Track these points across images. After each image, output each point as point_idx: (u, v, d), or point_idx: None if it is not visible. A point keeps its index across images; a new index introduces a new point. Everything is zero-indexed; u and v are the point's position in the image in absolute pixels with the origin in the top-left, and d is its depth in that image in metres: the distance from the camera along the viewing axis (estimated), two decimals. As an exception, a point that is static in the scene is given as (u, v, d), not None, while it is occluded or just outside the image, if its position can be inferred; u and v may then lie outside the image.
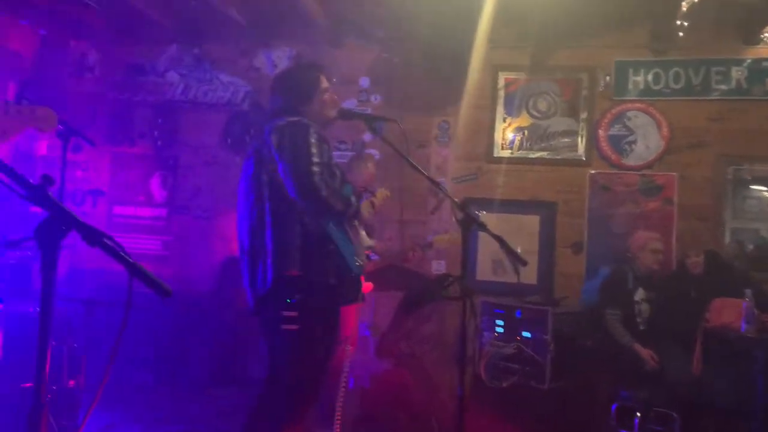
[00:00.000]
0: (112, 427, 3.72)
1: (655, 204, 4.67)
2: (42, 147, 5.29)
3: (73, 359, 3.27)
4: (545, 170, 4.87)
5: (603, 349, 3.94)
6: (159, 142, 5.40)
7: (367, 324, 4.77)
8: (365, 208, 2.90)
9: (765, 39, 4.53)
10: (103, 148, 5.28)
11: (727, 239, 4.57)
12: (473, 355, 4.21)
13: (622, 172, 4.75)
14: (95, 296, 3.25)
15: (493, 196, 4.83)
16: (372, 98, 5.14)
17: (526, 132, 4.93)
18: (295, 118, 2.57)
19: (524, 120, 4.94)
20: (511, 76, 4.96)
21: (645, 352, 3.81)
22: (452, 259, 4.82)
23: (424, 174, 2.69)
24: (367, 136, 5.08)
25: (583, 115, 4.85)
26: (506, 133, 4.96)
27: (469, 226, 2.60)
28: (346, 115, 2.89)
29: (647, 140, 4.73)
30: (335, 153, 4.87)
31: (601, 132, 4.79)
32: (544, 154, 4.88)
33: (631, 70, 4.77)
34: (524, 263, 2.59)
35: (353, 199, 2.61)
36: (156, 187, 5.42)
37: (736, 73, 4.61)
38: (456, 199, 2.77)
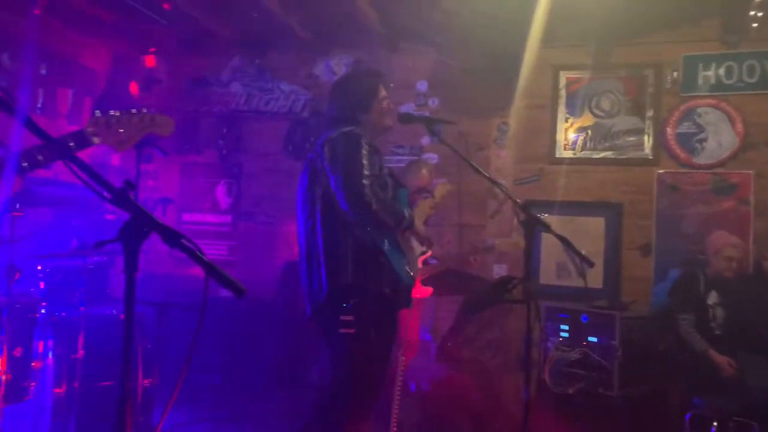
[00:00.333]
0: (181, 426, 3.85)
1: (729, 204, 4.45)
2: (116, 157, 5.56)
3: (146, 359, 3.41)
4: (610, 170, 4.73)
5: (675, 356, 3.78)
6: (224, 151, 5.59)
7: (428, 328, 4.75)
8: (425, 208, 2.91)
9: None
10: (172, 158, 5.50)
11: (809, 240, 4.30)
12: (537, 359, 4.13)
13: (692, 171, 4.56)
14: (166, 299, 3.38)
15: (555, 198, 4.73)
16: (430, 102, 5.14)
17: (589, 132, 4.80)
18: (348, 129, 2.59)
19: (587, 119, 4.82)
20: (573, 75, 4.85)
21: (721, 359, 3.64)
22: (514, 262, 4.75)
23: (485, 175, 2.67)
24: (425, 140, 5.08)
25: (650, 113, 4.68)
26: (568, 133, 4.86)
27: (533, 227, 2.55)
28: (405, 119, 2.90)
29: (719, 137, 4.52)
30: (393, 157, 4.96)
31: (668, 130, 4.62)
32: (608, 153, 4.74)
33: (700, 65, 4.57)
34: (591, 264, 2.53)
35: (406, 212, 2.63)
36: (221, 194, 5.60)
37: (816, 64, 4.35)
38: (518, 200, 2.73)
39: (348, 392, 2.58)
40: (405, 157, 4.98)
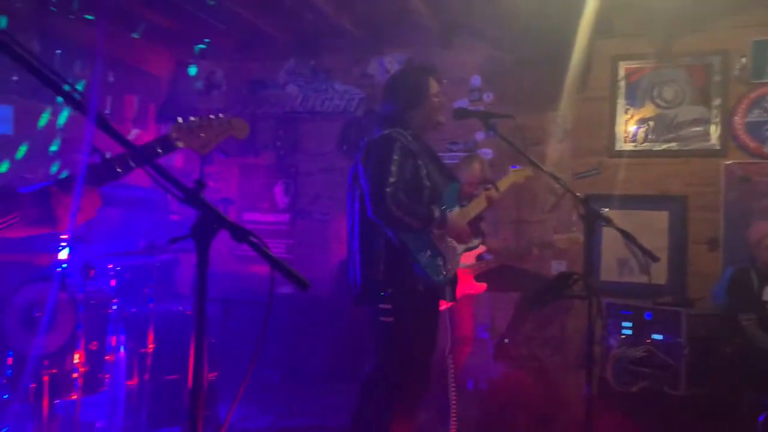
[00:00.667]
0: (244, 420, 3.97)
1: (804, 195, 4.22)
2: (179, 160, 5.77)
3: (211, 354, 3.53)
4: (673, 162, 4.57)
5: (744, 356, 3.62)
6: (281, 152, 5.71)
7: (485, 326, 4.72)
8: (480, 203, 2.89)
9: None
10: (232, 160, 5.67)
11: None
12: (598, 357, 4.03)
13: (763, 161, 4.35)
14: (229, 296, 3.49)
15: (616, 192, 4.60)
16: (484, 96, 5.10)
17: (651, 123, 4.65)
18: (388, 131, 2.64)
19: (649, 110, 4.66)
20: (633, 65, 4.71)
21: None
22: (573, 258, 4.66)
23: (543, 169, 2.63)
24: (479, 135, 5.05)
25: (716, 102, 4.49)
26: (629, 125, 4.72)
27: (593, 222, 2.50)
28: (459, 114, 2.88)
29: (793, 125, 4.29)
30: (447, 154, 4.94)
31: (737, 119, 4.41)
32: (672, 145, 4.58)
33: (771, 50, 4.35)
34: (655, 259, 2.46)
35: (436, 211, 2.63)
36: (279, 194, 5.73)
37: None
38: (578, 194, 2.67)
39: (391, 383, 2.63)
40: (459, 154, 4.95)
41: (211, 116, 1.67)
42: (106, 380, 3.28)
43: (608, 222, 2.48)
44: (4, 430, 3.06)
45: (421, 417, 2.83)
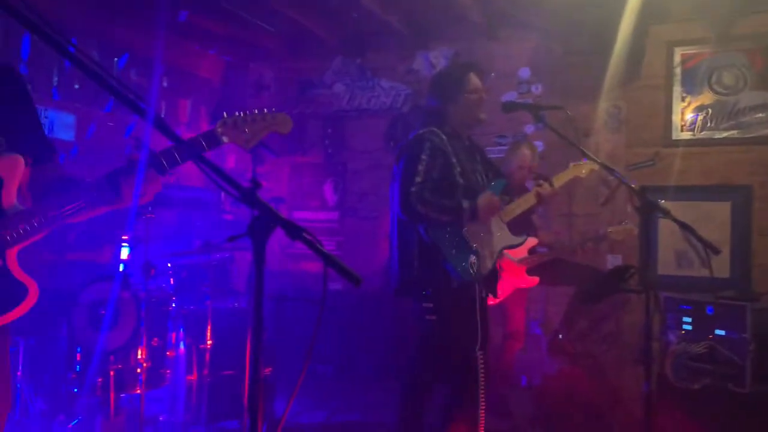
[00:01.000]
0: (299, 414, 4.04)
1: None
2: (231, 160, 5.92)
3: (266, 350, 3.61)
4: (735, 151, 4.38)
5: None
6: (329, 150, 5.78)
7: (538, 321, 4.65)
8: (530, 197, 2.85)
9: None
10: (282, 159, 5.78)
11: None
12: (657, 353, 3.91)
13: (833, 147, 4.12)
14: (282, 293, 3.56)
15: (673, 183, 4.45)
16: (533, 89, 5.01)
17: (709, 110, 4.47)
18: (423, 130, 2.69)
19: (707, 97, 4.48)
20: (689, 51, 4.53)
21: None
22: (628, 252, 4.53)
23: (596, 161, 2.57)
24: (528, 128, 4.97)
25: (780, 86, 4.28)
26: (686, 113, 4.55)
27: (649, 213, 2.43)
28: (508, 107, 2.85)
29: None
30: (495, 148, 4.89)
31: (803, 103, 4.20)
32: (733, 133, 4.39)
33: (840, 29, 4.12)
34: (716, 251, 2.36)
35: (465, 204, 2.63)
36: (328, 192, 5.81)
37: None
38: (633, 185, 2.60)
39: (441, 380, 2.65)
40: (508, 147, 4.89)
41: (256, 111, 1.71)
42: (168, 375, 3.40)
43: (666, 213, 2.40)
44: (76, 421, 3.23)
45: (480, 414, 2.81)
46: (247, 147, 1.68)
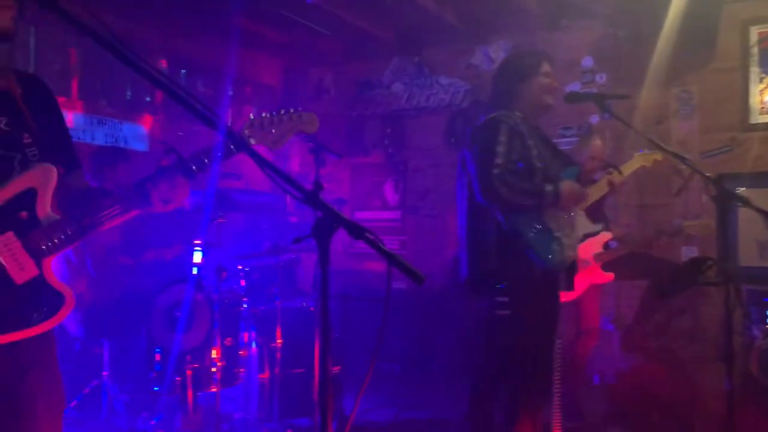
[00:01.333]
0: (368, 412, 4.08)
1: None
2: (295, 164, 6.06)
3: (333, 348, 3.67)
4: (821, 133, 4.10)
5: None
6: (389, 150, 5.81)
7: (610, 317, 4.51)
8: (602, 186, 2.77)
9: None
10: (343, 161, 5.85)
11: None
12: (740, 349, 3.72)
13: None
14: (347, 293, 3.62)
15: (751, 170, 4.21)
16: (597, 78, 4.86)
17: (791, 90, 4.20)
18: (494, 114, 2.58)
19: (787, 77, 4.22)
20: (767, 29, 4.27)
21: None
22: (705, 243, 4.32)
23: (667, 150, 2.47)
24: (594, 118, 4.82)
25: None
26: (764, 95, 4.29)
27: (727, 203, 2.31)
28: (571, 98, 2.78)
29: None
30: (561, 140, 4.77)
31: None
32: (816, 114, 4.11)
33: None
34: (804, 241, 2.22)
35: (549, 188, 2.53)
36: (389, 191, 5.84)
37: None
38: (708, 174, 2.47)
39: (513, 377, 2.57)
40: (573, 139, 4.76)
41: (282, 111, 1.69)
42: (241, 374, 3.52)
43: (745, 202, 2.27)
44: (158, 418, 3.39)
45: (546, 412, 2.75)
46: (274, 148, 1.68)
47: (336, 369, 3.53)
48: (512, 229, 2.51)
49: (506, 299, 2.53)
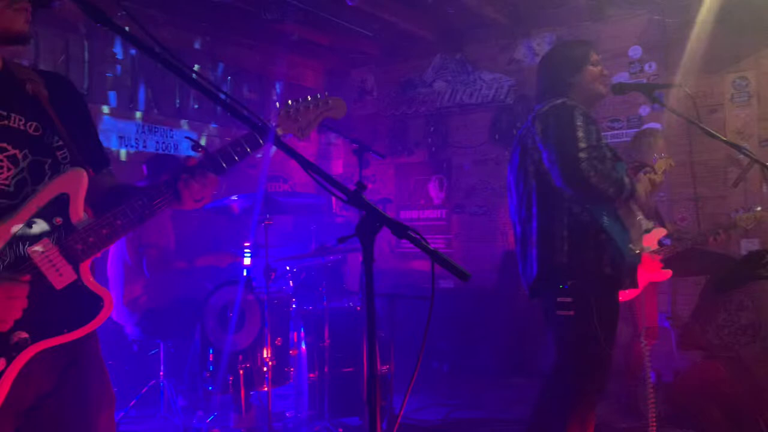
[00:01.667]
0: (419, 411, 4.08)
1: None
2: (339, 166, 6.11)
3: (382, 347, 3.68)
4: None
5: None
6: (433, 148, 5.79)
7: (666, 314, 4.38)
8: (642, 187, 2.66)
9: None
10: (387, 161, 5.87)
11: None
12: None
13: None
14: (394, 291, 3.61)
15: (816, 157, 4.00)
16: (645, 67, 4.71)
17: None
18: (559, 101, 2.45)
19: None
20: (828, 7, 4.06)
21: None
22: (766, 235, 4.13)
23: (723, 139, 2.36)
24: (643, 110, 4.68)
25: None
26: (827, 78, 4.07)
27: (789, 192, 2.19)
28: (619, 89, 2.68)
29: None
30: (609, 133, 4.65)
31: None
32: None
33: None
34: None
35: (627, 180, 2.41)
36: (434, 190, 5.82)
37: None
38: (767, 163, 2.36)
39: (570, 376, 2.49)
40: (622, 131, 4.64)
41: (309, 98, 1.65)
42: (291, 373, 3.57)
43: (809, 191, 2.16)
44: (212, 417, 3.48)
45: (598, 412, 2.68)
46: (301, 136, 1.65)
47: (384, 368, 3.54)
48: (590, 220, 2.38)
49: (569, 300, 2.41)
